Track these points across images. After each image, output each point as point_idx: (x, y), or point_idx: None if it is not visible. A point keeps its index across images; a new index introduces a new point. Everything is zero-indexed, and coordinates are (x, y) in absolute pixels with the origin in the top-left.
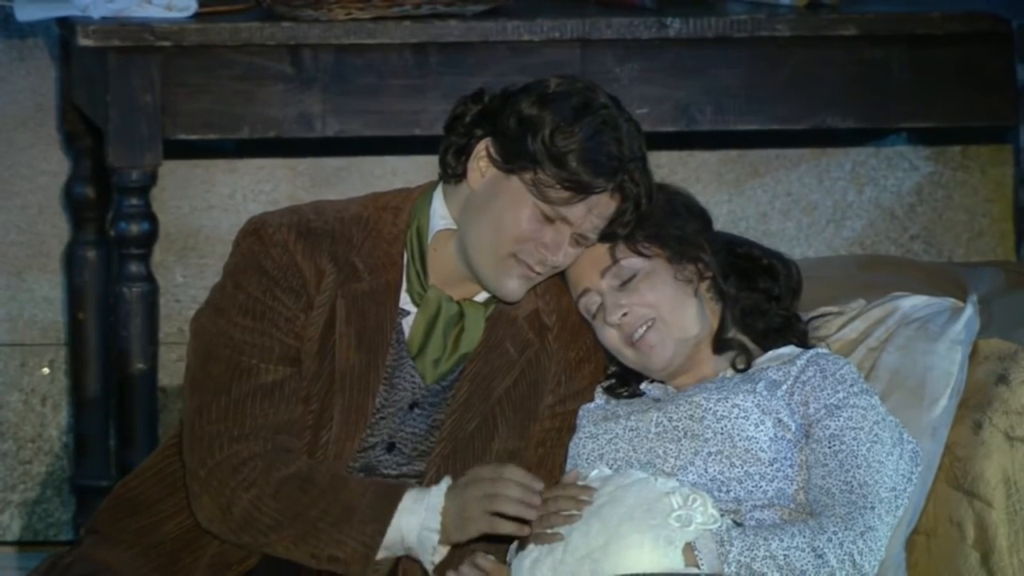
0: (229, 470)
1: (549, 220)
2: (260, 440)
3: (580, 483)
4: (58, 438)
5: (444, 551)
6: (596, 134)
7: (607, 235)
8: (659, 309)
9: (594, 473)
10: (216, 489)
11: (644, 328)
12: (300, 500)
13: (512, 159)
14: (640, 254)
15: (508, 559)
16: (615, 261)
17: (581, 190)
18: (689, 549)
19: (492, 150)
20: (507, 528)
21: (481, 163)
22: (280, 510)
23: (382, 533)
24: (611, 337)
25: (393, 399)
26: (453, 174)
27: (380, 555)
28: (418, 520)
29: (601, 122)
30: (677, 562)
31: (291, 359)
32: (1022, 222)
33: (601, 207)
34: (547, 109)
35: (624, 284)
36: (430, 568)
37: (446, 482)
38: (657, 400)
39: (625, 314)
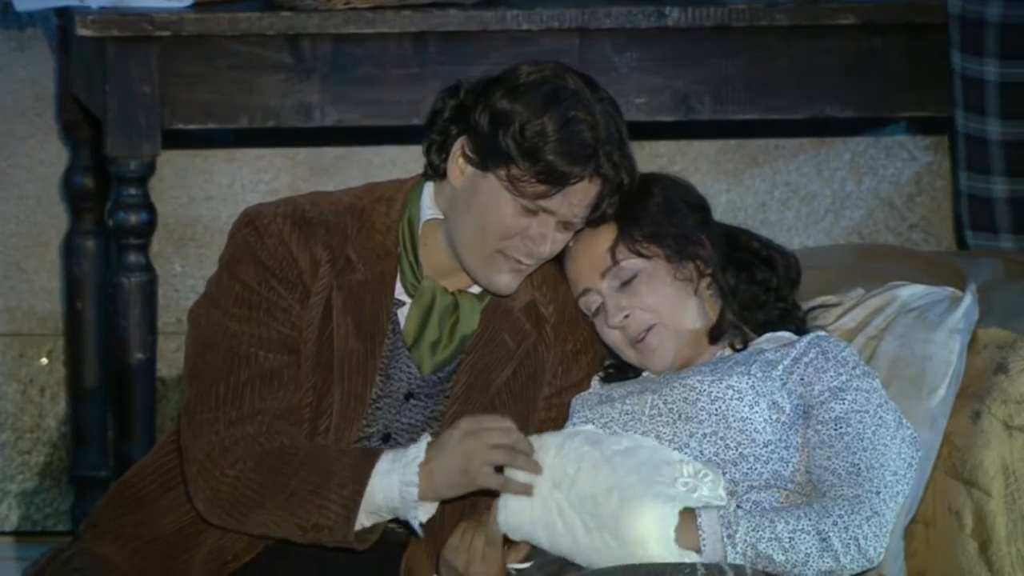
0: (222, 451)
1: (531, 213)
2: (256, 423)
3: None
4: (56, 428)
5: (431, 508)
6: (567, 123)
7: (596, 219)
8: (660, 312)
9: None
10: (209, 471)
11: (645, 331)
12: (281, 471)
13: (486, 157)
14: (640, 255)
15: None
16: (616, 262)
17: (556, 182)
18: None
19: (467, 148)
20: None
21: (459, 161)
22: (262, 482)
23: (360, 493)
24: (613, 337)
25: (389, 390)
26: (436, 172)
27: (366, 519)
28: (397, 476)
29: (571, 109)
30: (672, 519)
31: (289, 348)
32: (960, 209)
33: (581, 194)
34: (517, 103)
35: (624, 285)
36: (416, 525)
37: (424, 439)
38: (652, 382)
39: (627, 316)
